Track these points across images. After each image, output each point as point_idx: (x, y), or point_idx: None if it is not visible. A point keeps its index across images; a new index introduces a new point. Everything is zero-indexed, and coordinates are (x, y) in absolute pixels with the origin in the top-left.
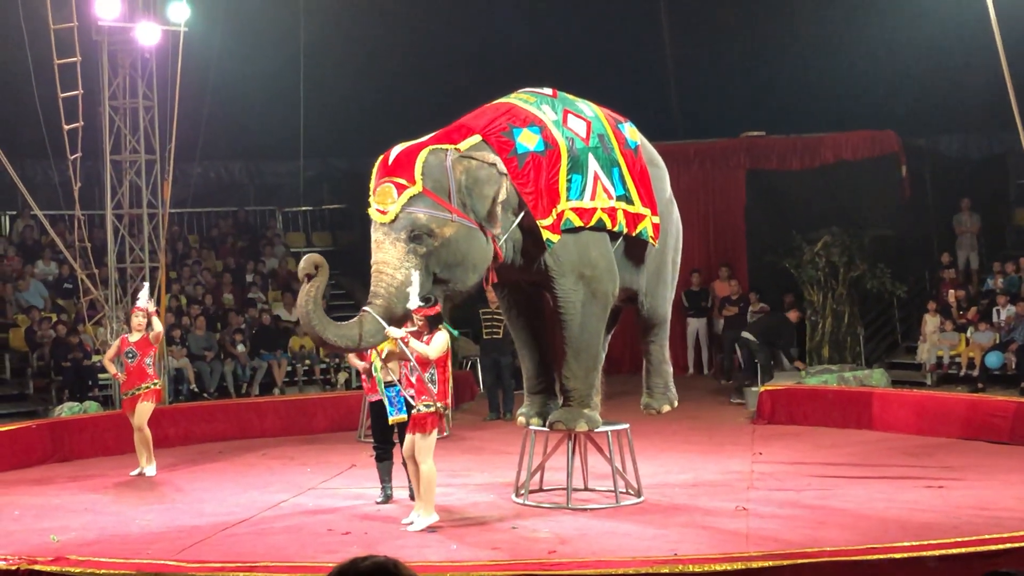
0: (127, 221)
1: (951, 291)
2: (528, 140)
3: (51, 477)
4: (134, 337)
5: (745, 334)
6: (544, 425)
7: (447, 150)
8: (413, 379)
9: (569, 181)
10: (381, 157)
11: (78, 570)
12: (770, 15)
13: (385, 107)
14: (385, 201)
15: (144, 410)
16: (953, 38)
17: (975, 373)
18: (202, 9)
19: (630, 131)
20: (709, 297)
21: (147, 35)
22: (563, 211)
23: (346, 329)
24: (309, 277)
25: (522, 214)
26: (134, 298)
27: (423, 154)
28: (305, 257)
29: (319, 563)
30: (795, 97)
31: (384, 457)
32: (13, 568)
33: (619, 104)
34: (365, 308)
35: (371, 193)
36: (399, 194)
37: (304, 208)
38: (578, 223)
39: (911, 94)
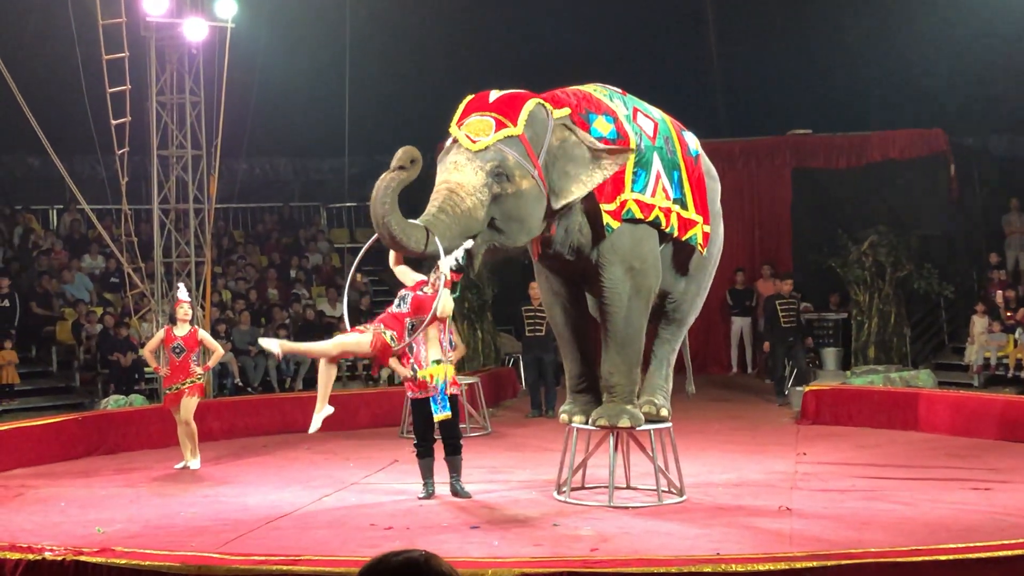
0: (173, 216)
1: (999, 292)
2: (602, 127)
3: (96, 469)
4: (181, 331)
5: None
6: (587, 423)
7: (550, 110)
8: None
9: (635, 174)
10: (474, 95)
11: (123, 562)
12: (817, 12)
13: (430, 103)
14: (480, 131)
15: (190, 405)
16: (1002, 38)
17: (1023, 374)
18: (249, 5)
19: (693, 140)
20: (753, 296)
21: (194, 31)
22: (626, 200)
23: (413, 229)
24: (401, 168)
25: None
26: (174, 296)
27: (531, 103)
28: (403, 148)
29: (361, 557)
30: (842, 95)
31: (425, 454)
32: (60, 559)
33: (665, 103)
34: (428, 221)
35: (456, 121)
36: (497, 130)
37: (349, 204)
38: (638, 215)
39: (960, 93)
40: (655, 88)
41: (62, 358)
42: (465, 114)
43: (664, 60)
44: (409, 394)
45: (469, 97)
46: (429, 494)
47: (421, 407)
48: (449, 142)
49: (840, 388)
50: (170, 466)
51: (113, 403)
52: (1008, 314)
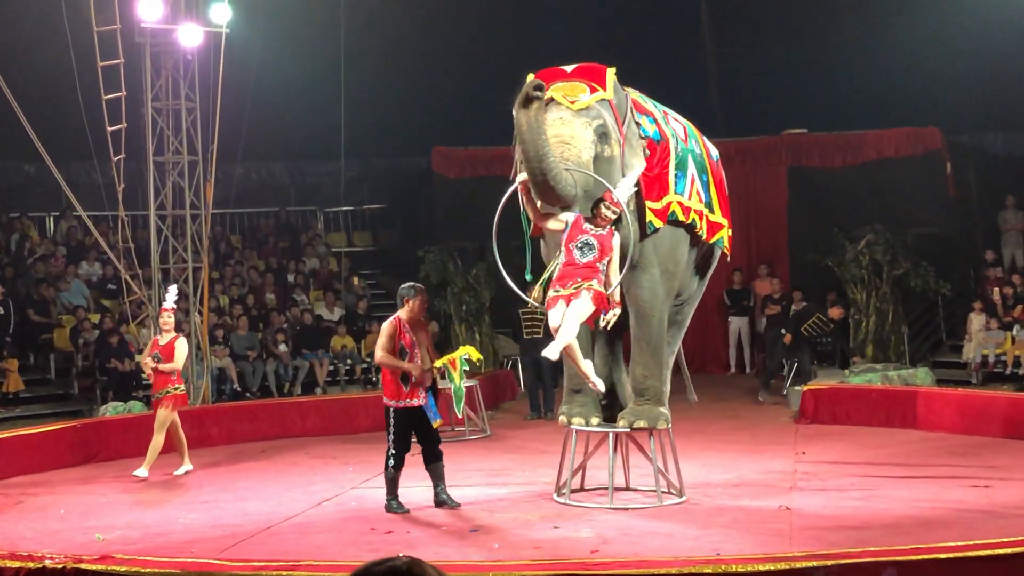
0: (170, 222)
1: (996, 289)
2: (648, 126)
3: (96, 476)
4: (163, 340)
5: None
6: (585, 424)
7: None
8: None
9: (676, 176)
10: (540, 72)
11: (123, 569)
12: (812, 11)
13: (425, 107)
14: (576, 94)
15: (163, 417)
16: (997, 35)
17: (1021, 372)
18: (244, 10)
19: (711, 144)
20: (751, 296)
21: (189, 37)
22: (671, 202)
23: (563, 173)
24: (537, 96)
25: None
26: (139, 302)
27: (611, 72)
28: (530, 80)
29: (362, 562)
30: (837, 94)
31: (400, 466)
32: (59, 567)
33: (660, 102)
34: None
35: (539, 88)
36: (591, 93)
37: (345, 208)
38: (681, 217)
39: (955, 91)
40: (650, 88)
41: (60, 365)
42: (551, 80)
43: (659, 60)
44: (400, 402)
45: (530, 76)
46: (404, 510)
47: (407, 418)
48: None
49: (838, 387)
50: (169, 473)
51: (112, 410)
52: (1006, 311)
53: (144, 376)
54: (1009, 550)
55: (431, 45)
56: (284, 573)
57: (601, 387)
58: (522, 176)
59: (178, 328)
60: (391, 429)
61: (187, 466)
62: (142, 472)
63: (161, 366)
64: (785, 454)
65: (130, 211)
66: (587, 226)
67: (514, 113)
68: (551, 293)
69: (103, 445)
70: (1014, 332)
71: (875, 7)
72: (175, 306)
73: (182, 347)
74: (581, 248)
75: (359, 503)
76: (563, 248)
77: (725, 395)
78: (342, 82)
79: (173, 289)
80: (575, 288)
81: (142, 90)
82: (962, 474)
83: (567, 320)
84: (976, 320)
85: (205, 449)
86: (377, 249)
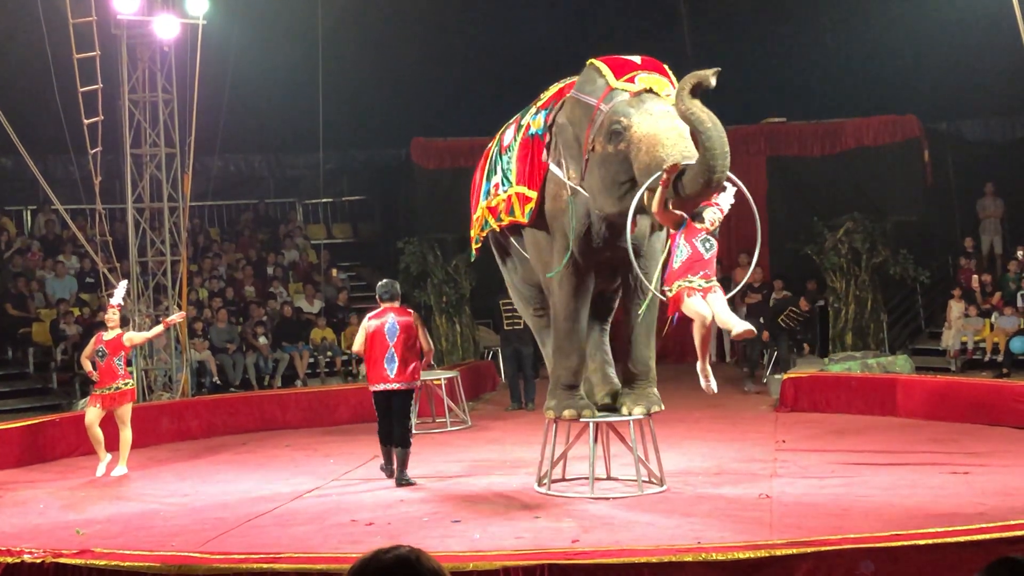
0: (148, 215)
1: (975, 276)
2: None
3: (75, 470)
4: (108, 335)
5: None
6: (578, 417)
7: None
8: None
9: None
10: (607, 60)
11: (103, 563)
12: (789, 1)
13: (404, 99)
14: (662, 88)
15: (123, 413)
16: (974, 22)
17: (999, 359)
18: (220, 2)
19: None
20: (730, 285)
21: (166, 28)
22: None
23: None
24: (704, 90)
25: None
26: (110, 295)
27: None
28: (708, 72)
29: (343, 554)
30: (816, 83)
31: (384, 442)
32: (39, 561)
33: None
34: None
35: (625, 70)
36: (672, 87)
37: (324, 200)
38: None
39: (933, 79)
40: None
41: (39, 359)
42: (620, 72)
43: (638, 49)
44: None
45: (594, 63)
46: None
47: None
48: (621, 97)
49: (818, 375)
50: (149, 466)
51: None
52: (984, 298)
53: (83, 372)
54: (988, 536)
55: (409, 36)
56: (265, 565)
57: (715, 388)
58: (669, 162)
59: (124, 324)
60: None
61: (109, 466)
62: (121, 470)
63: (146, 335)
64: (765, 442)
65: (108, 204)
66: (696, 224)
67: (683, 104)
68: (682, 283)
69: (82, 439)
70: (992, 319)
71: None
72: (122, 303)
73: (132, 334)
74: (703, 243)
75: (340, 495)
76: (683, 241)
77: None
78: (320, 73)
79: (122, 285)
80: (708, 284)
81: (119, 82)
82: (941, 461)
83: (727, 313)
84: (955, 307)
85: (185, 443)
86: (357, 241)
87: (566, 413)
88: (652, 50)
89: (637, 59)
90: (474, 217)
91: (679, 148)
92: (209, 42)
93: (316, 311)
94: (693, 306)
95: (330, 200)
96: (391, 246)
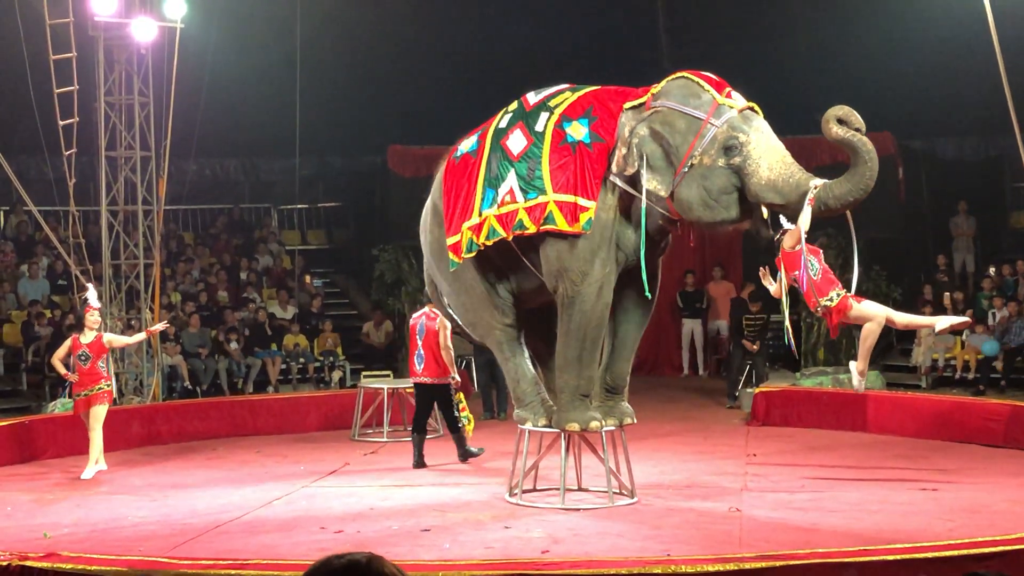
0: (122, 217)
1: (947, 294)
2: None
3: (43, 473)
4: (87, 338)
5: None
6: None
7: None
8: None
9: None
10: (694, 73)
11: (70, 567)
12: (765, 17)
13: (381, 106)
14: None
15: (99, 412)
16: (950, 41)
17: (970, 376)
18: (198, 5)
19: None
20: (704, 298)
21: (143, 31)
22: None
23: None
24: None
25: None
26: (84, 300)
27: None
28: (844, 110)
29: (311, 561)
30: (790, 98)
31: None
32: (5, 564)
33: None
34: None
35: (721, 86)
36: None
37: (300, 206)
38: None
39: (907, 97)
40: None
41: (8, 361)
42: (718, 88)
43: (616, 62)
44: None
45: (689, 76)
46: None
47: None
48: (730, 114)
49: (789, 389)
50: (118, 470)
51: (60, 407)
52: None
53: (55, 375)
54: (956, 552)
55: (387, 43)
56: (233, 572)
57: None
58: (814, 183)
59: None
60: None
61: (92, 467)
62: (89, 472)
63: (128, 340)
64: (736, 456)
65: (81, 206)
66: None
67: (837, 129)
68: (837, 291)
69: (50, 442)
70: (963, 337)
71: (828, 14)
72: (100, 305)
73: (114, 336)
74: (813, 263)
75: (309, 502)
76: (812, 257)
77: (678, 397)
78: (297, 79)
79: (92, 288)
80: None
81: (95, 84)
82: (911, 477)
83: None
84: None
85: (155, 447)
86: (331, 247)
87: (593, 425)
88: (631, 60)
89: (713, 76)
90: (466, 225)
91: (799, 169)
92: (187, 46)
93: (290, 317)
94: (870, 308)
95: (305, 206)
96: (366, 253)
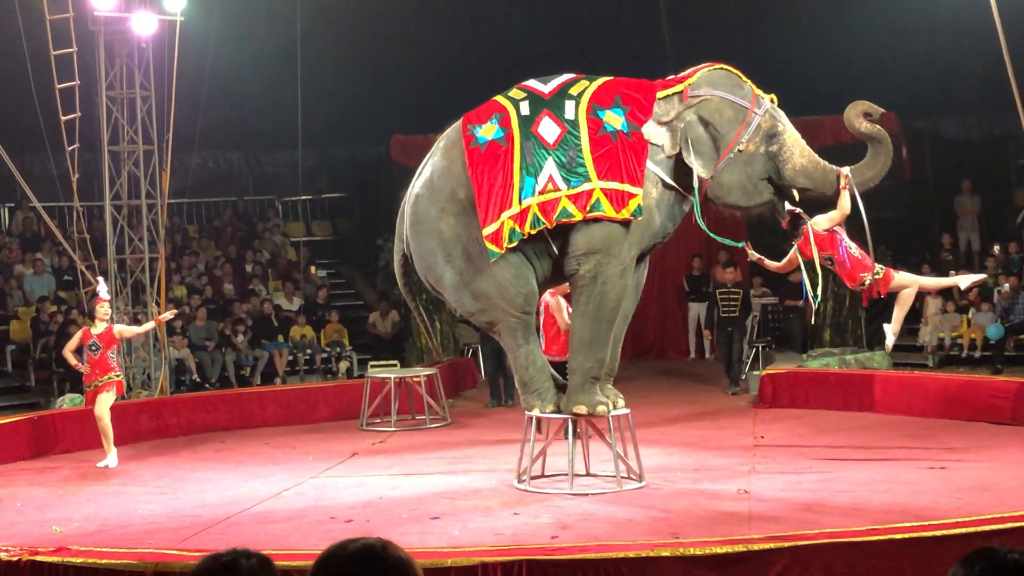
0: (126, 212)
1: (952, 272)
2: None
3: (53, 468)
4: (97, 329)
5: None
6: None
7: None
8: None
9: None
10: (727, 66)
11: (80, 561)
12: None
13: (383, 96)
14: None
15: (105, 400)
16: (952, 19)
17: (977, 354)
18: None
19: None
20: (710, 282)
21: (143, 25)
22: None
23: None
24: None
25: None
26: (93, 293)
27: None
28: (864, 105)
29: (321, 551)
30: (794, 79)
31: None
32: (15, 559)
33: None
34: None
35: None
36: None
37: (303, 197)
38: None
39: (911, 76)
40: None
41: (16, 357)
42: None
43: (618, 49)
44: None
45: (727, 68)
46: None
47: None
48: (767, 104)
49: (796, 371)
50: (128, 464)
51: (68, 402)
52: (961, 295)
53: (63, 369)
54: (964, 530)
55: (389, 33)
56: None
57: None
58: (846, 170)
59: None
60: None
61: (108, 458)
62: (112, 461)
63: (138, 330)
64: (744, 438)
65: (85, 202)
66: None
67: (861, 123)
68: (871, 277)
69: (60, 437)
70: (970, 315)
71: None
72: (109, 297)
73: (124, 327)
74: (848, 243)
75: (319, 492)
76: (847, 237)
77: (685, 381)
78: (298, 70)
79: (102, 281)
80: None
81: (96, 79)
82: (918, 456)
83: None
84: (932, 304)
85: (164, 440)
86: (336, 238)
87: (600, 408)
88: (633, 48)
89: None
90: (506, 214)
91: (818, 156)
92: (187, 39)
93: (295, 308)
94: (906, 277)
95: (309, 197)
96: (371, 243)
